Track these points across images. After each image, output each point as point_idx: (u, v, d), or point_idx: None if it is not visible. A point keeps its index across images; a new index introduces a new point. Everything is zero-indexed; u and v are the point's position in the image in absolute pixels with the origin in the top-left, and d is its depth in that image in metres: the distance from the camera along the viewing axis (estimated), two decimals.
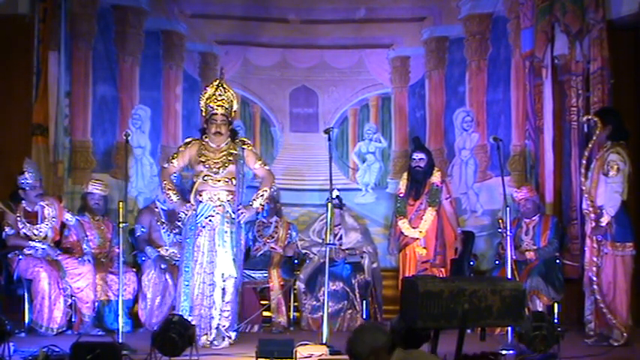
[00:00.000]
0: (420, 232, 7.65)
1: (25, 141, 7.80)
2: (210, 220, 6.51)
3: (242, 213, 6.56)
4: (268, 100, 8.89)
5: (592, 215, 6.52)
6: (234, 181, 6.56)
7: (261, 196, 6.68)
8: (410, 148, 8.27)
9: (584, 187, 6.62)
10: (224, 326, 6.50)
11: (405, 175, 7.94)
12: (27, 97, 7.86)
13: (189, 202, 6.59)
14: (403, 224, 7.70)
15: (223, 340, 6.47)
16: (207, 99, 6.63)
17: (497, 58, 8.40)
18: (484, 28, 8.45)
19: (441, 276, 7.42)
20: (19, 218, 7.13)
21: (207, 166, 6.55)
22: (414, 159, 7.79)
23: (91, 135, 8.27)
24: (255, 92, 8.87)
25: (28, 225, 7.14)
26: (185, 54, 8.69)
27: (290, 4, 8.78)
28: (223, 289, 6.51)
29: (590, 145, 6.66)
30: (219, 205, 6.52)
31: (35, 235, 7.14)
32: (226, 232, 6.50)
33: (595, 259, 6.51)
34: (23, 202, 7.16)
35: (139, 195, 8.42)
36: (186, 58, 8.69)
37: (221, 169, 6.54)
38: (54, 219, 7.21)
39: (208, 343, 6.37)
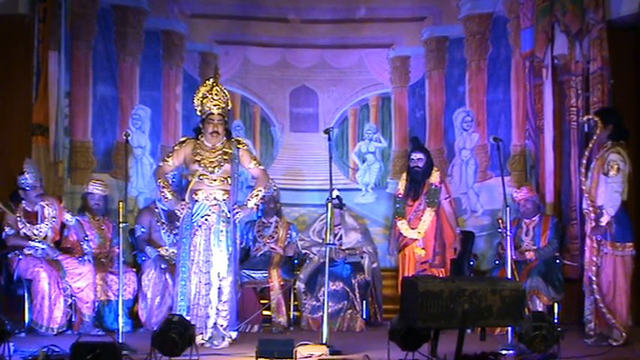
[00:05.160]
0: (419, 232, 7.65)
1: (25, 141, 7.80)
2: (206, 220, 6.51)
3: (237, 212, 6.56)
4: (268, 100, 8.89)
5: (592, 215, 6.52)
6: (229, 181, 6.56)
7: (256, 195, 6.68)
8: (409, 147, 8.27)
9: (584, 187, 6.61)
10: (222, 325, 6.50)
11: (403, 175, 7.94)
12: (27, 97, 7.86)
13: (184, 200, 6.61)
14: (402, 225, 7.70)
15: (223, 339, 6.47)
16: (202, 98, 6.62)
17: (497, 58, 8.41)
18: (484, 28, 8.46)
19: (441, 276, 7.42)
20: (19, 218, 7.13)
21: (202, 165, 6.55)
22: (413, 159, 7.79)
23: (91, 135, 8.28)
24: (255, 92, 8.88)
25: (28, 225, 7.14)
26: (185, 54, 8.70)
27: (290, 3, 8.79)
28: (220, 288, 6.51)
29: (590, 145, 6.66)
30: (215, 205, 6.52)
31: (35, 235, 7.13)
32: (222, 231, 6.51)
33: (595, 258, 6.51)
34: (23, 202, 7.16)
35: (139, 195, 8.43)
36: (187, 58, 8.70)
37: (217, 168, 6.54)
38: (54, 219, 7.21)
39: (204, 342, 6.36)
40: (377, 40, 8.84)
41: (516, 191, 7.56)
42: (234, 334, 6.57)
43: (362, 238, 7.89)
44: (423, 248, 7.65)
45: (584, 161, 6.64)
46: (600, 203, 6.47)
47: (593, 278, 6.51)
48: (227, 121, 6.79)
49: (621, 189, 6.43)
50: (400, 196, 7.83)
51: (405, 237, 7.69)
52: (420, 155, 7.77)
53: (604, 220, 6.43)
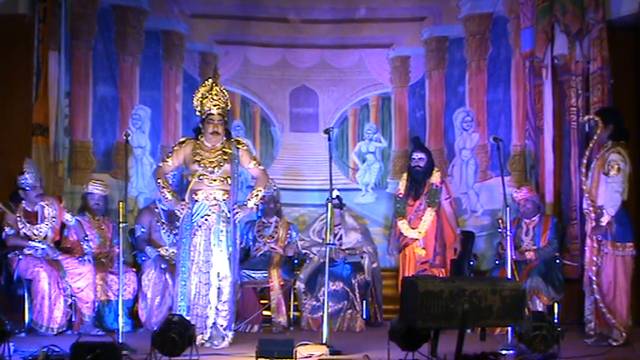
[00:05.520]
0: (420, 232, 7.64)
1: (25, 141, 7.80)
2: (206, 220, 6.51)
3: (237, 212, 6.56)
4: (268, 99, 8.90)
5: (592, 215, 6.51)
6: (229, 181, 6.57)
7: (256, 195, 6.68)
8: (409, 147, 8.27)
9: (584, 187, 6.61)
10: (222, 325, 6.50)
11: (404, 175, 7.93)
12: (27, 97, 7.86)
13: (184, 200, 6.61)
14: (402, 225, 7.70)
15: (223, 339, 6.47)
16: (201, 98, 6.63)
17: (497, 58, 8.41)
18: (484, 28, 8.46)
19: (441, 276, 7.42)
20: (19, 218, 7.13)
21: (202, 165, 6.55)
22: (414, 159, 7.78)
23: (91, 135, 8.29)
24: (255, 92, 8.88)
25: (28, 225, 7.13)
26: (185, 54, 8.70)
27: (290, 3, 8.79)
28: (219, 288, 6.51)
29: (591, 145, 6.65)
30: (215, 205, 6.52)
31: (35, 235, 7.13)
32: (222, 231, 6.51)
33: (595, 258, 6.50)
34: (23, 202, 7.16)
35: (139, 195, 8.43)
36: (187, 58, 8.70)
37: (216, 168, 6.54)
38: (54, 219, 7.20)
39: (204, 342, 6.36)
40: (377, 40, 8.84)
41: (516, 191, 7.56)
42: (230, 334, 6.55)
43: (362, 238, 7.89)
44: (424, 248, 7.64)
45: (585, 161, 6.63)
46: (601, 203, 6.47)
47: (594, 278, 6.51)
48: (227, 121, 6.80)
49: (622, 189, 6.42)
50: (401, 195, 7.83)
51: (406, 237, 7.69)
52: (421, 155, 7.76)
53: (604, 220, 6.42)
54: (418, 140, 8.04)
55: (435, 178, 7.75)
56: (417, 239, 7.66)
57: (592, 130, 6.77)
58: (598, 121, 6.58)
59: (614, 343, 6.37)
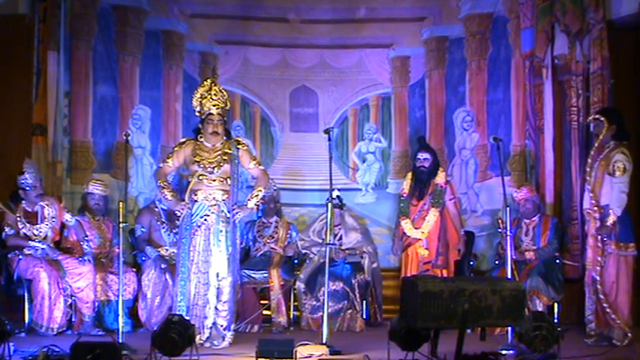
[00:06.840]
0: (423, 232, 7.63)
1: (25, 141, 7.81)
2: (205, 220, 6.52)
3: (237, 212, 6.56)
4: (268, 99, 8.90)
5: (597, 215, 6.51)
6: (229, 181, 6.57)
7: (256, 195, 6.68)
8: (414, 147, 8.27)
9: (589, 187, 6.60)
10: (222, 326, 6.50)
11: (409, 175, 7.91)
12: (27, 97, 7.87)
13: (183, 200, 6.61)
14: (406, 224, 7.69)
15: (223, 339, 6.47)
16: (201, 98, 6.63)
17: (497, 58, 8.40)
18: (484, 28, 8.46)
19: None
20: (19, 218, 7.13)
21: (201, 165, 6.56)
22: (419, 159, 7.76)
23: (91, 135, 8.28)
24: (255, 92, 8.88)
25: (28, 225, 7.13)
26: (185, 54, 8.70)
27: (290, 3, 8.79)
28: (219, 288, 6.51)
29: (596, 145, 6.65)
30: (215, 205, 6.53)
31: (35, 235, 7.13)
32: (221, 231, 6.51)
33: (599, 258, 6.50)
34: (23, 202, 7.16)
35: (139, 195, 8.43)
36: (186, 58, 8.70)
37: (216, 168, 6.54)
38: (54, 219, 7.21)
39: (202, 342, 6.35)
40: (377, 40, 8.84)
41: (516, 191, 7.56)
42: (229, 334, 6.54)
43: (362, 238, 7.89)
44: (427, 248, 7.63)
45: (589, 161, 6.63)
46: (604, 203, 6.47)
47: (597, 278, 6.51)
48: (226, 120, 6.79)
49: (627, 189, 6.43)
50: (405, 195, 7.82)
51: (409, 237, 7.68)
52: (426, 155, 7.74)
53: (610, 220, 6.42)
54: (423, 140, 8.02)
55: (440, 178, 7.73)
56: (419, 239, 7.65)
57: (596, 130, 6.75)
58: (604, 121, 6.58)
59: (617, 343, 6.38)
